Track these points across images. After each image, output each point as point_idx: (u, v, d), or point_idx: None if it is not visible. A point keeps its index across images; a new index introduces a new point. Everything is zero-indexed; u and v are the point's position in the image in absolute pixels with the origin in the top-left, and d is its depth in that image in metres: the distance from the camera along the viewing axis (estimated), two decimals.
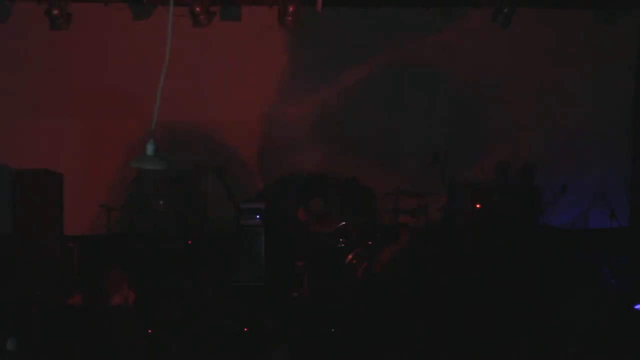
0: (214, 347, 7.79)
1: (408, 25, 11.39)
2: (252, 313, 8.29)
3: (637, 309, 8.20)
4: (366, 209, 11.07)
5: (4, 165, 10.50)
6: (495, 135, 11.73)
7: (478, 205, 10.79)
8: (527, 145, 11.77)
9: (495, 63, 11.61)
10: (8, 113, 10.86)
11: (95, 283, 7.58)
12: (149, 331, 7.64)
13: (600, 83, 11.84)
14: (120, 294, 6.88)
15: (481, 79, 11.58)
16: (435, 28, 11.41)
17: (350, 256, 10.13)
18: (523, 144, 11.77)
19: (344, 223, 10.43)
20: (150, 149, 4.11)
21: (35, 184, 9.84)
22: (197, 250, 10.18)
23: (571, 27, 11.66)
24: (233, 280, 10.03)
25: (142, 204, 10.03)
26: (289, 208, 10.55)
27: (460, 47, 11.54)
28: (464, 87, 11.64)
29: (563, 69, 11.73)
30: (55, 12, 10.13)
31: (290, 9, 10.48)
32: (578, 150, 11.91)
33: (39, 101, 10.94)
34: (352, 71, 11.44)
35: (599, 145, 11.96)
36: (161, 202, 10.48)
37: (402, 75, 11.49)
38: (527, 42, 11.60)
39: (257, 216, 10.44)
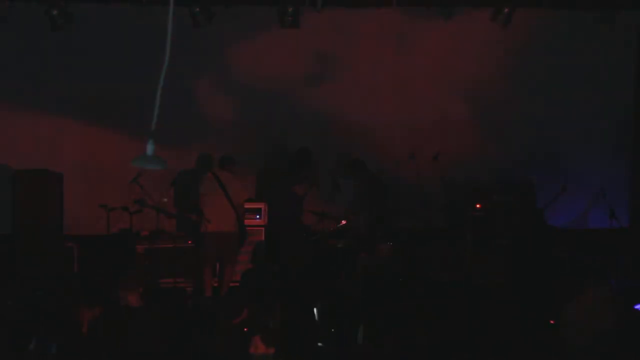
0: (214, 347, 7.80)
1: (408, 25, 11.40)
2: (252, 313, 8.27)
3: (637, 309, 8.20)
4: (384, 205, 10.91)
5: (4, 165, 10.50)
6: (494, 134, 11.73)
7: (478, 205, 10.79)
8: (527, 144, 11.78)
9: (495, 63, 11.61)
10: (8, 113, 10.86)
11: (111, 286, 7.60)
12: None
13: (600, 83, 11.84)
14: (136, 294, 6.84)
15: (480, 79, 11.58)
16: (435, 28, 11.40)
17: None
18: (522, 144, 11.79)
19: (344, 222, 10.41)
20: (150, 149, 4.10)
21: (35, 184, 9.86)
22: (197, 250, 10.17)
23: (571, 27, 11.66)
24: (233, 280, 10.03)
25: (142, 203, 10.00)
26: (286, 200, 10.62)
27: (460, 47, 11.54)
28: (463, 86, 11.64)
29: (563, 69, 11.74)
30: (55, 12, 10.13)
31: (290, 9, 10.49)
32: (578, 151, 11.92)
33: (39, 101, 10.94)
34: (351, 71, 11.45)
35: (599, 145, 11.97)
36: (164, 200, 10.47)
37: (402, 75, 11.49)
38: (527, 42, 11.61)
39: (257, 216, 10.44)
